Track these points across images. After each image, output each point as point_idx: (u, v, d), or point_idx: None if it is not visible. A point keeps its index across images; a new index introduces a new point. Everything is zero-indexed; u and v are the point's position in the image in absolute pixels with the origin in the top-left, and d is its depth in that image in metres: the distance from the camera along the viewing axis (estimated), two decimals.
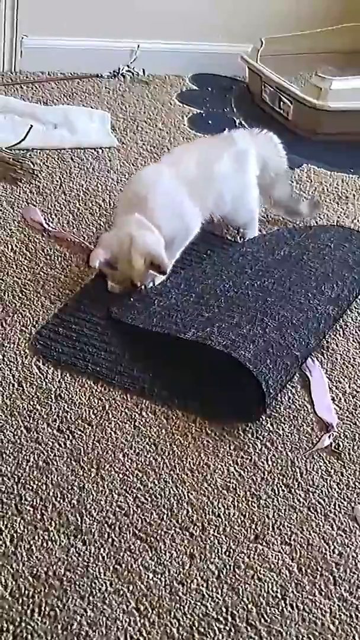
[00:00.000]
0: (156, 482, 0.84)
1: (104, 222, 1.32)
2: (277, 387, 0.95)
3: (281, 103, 1.77)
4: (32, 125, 1.52)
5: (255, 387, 0.92)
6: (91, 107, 1.74)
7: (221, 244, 1.29)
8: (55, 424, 0.90)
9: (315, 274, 1.13)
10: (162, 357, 1.00)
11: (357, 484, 0.88)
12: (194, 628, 0.71)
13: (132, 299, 1.09)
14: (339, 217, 1.43)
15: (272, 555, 0.79)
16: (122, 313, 1.06)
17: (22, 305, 1.09)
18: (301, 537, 0.81)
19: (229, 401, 0.95)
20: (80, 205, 1.36)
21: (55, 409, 0.92)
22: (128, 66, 1.94)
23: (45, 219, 1.29)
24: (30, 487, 0.82)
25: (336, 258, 1.19)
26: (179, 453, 0.88)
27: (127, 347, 1.02)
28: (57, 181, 1.42)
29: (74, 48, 1.90)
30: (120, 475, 0.85)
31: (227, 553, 0.78)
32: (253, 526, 0.81)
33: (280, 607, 0.74)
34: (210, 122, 1.79)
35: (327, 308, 1.08)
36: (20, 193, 1.36)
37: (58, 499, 0.81)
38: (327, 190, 1.53)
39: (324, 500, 0.85)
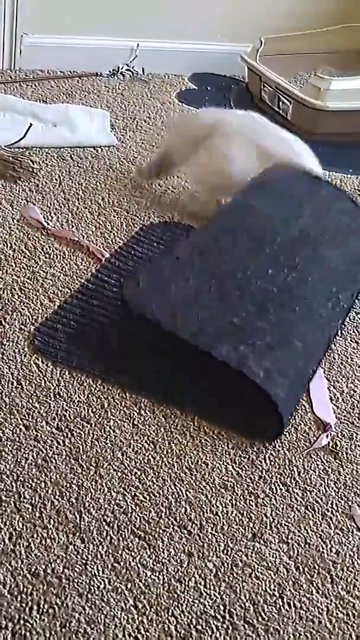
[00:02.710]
0: (154, 481, 0.85)
1: (102, 220, 1.32)
2: (288, 421, 0.93)
3: (280, 103, 1.78)
4: (31, 124, 1.52)
5: (265, 405, 0.89)
6: (91, 106, 1.74)
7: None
8: (54, 422, 0.90)
9: (333, 274, 1.08)
10: (161, 355, 1.00)
11: (354, 483, 0.88)
12: (192, 626, 0.72)
13: (143, 284, 0.99)
14: None
15: (269, 554, 0.79)
16: (139, 304, 0.95)
17: (21, 304, 1.09)
18: (299, 536, 0.81)
19: (229, 407, 0.94)
20: (79, 203, 1.36)
21: (54, 407, 0.92)
22: (127, 65, 1.94)
23: (44, 217, 1.29)
24: (29, 485, 0.82)
25: (351, 248, 1.14)
26: (178, 451, 0.89)
27: (126, 345, 1.02)
28: (57, 180, 1.42)
29: (73, 46, 1.90)
30: (119, 474, 0.85)
31: (225, 551, 0.79)
32: (251, 524, 0.82)
33: (278, 605, 0.75)
34: None
35: (338, 322, 1.07)
36: (19, 191, 1.36)
37: (57, 496, 0.81)
38: None
39: (321, 499, 0.86)
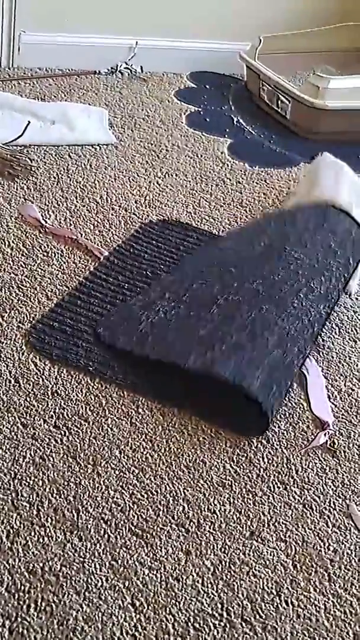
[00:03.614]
0: (152, 479, 0.85)
1: (101, 218, 1.32)
2: (277, 409, 0.94)
3: (279, 102, 1.78)
4: (29, 122, 1.51)
5: (253, 404, 0.90)
6: (89, 104, 1.74)
7: (195, 240, 1.26)
8: (51, 421, 0.90)
9: (302, 267, 1.09)
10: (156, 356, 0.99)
11: (352, 481, 0.89)
12: (190, 624, 0.72)
13: (115, 317, 1.04)
14: None
15: (267, 552, 0.79)
16: (111, 337, 1.01)
17: (19, 302, 1.09)
18: (296, 534, 0.81)
19: (223, 406, 0.93)
20: (77, 202, 1.35)
21: (51, 405, 0.92)
22: (126, 63, 1.94)
23: (42, 215, 1.29)
24: (27, 483, 0.82)
25: (318, 242, 1.14)
26: (175, 450, 0.89)
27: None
28: (55, 178, 1.41)
29: (72, 44, 1.90)
30: (117, 472, 0.85)
31: (223, 549, 0.79)
32: (248, 523, 0.82)
33: (275, 603, 0.75)
34: (207, 119, 1.79)
35: (319, 308, 1.06)
36: (17, 189, 1.35)
37: (54, 495, 0.81)
38: None
39: (319, 498, 0.86)
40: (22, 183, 1.37)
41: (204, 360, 0.93)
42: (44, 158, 1.47)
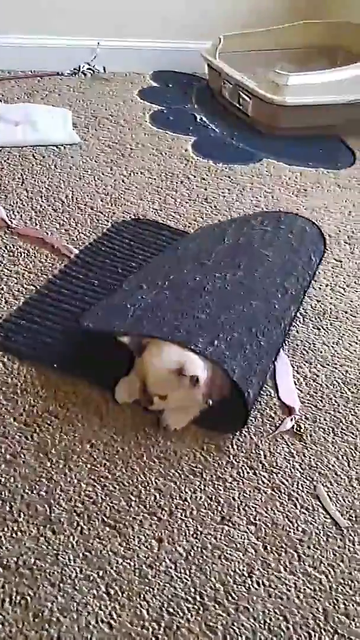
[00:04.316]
0: (124, 471, 0.86)
1: (66, 218, 1.32)
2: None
3: (240, 99, 1.80)
4: None
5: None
6: (52, 105, 1.74)
7: (167, 238, 1.27)
8: (21, 418, 0.90)
9: (275, 265, 1.11)
10: (124, 352, 0.99)
11: (318, 464, 0.91)
12: (164, 609, 0.73)
13: (98, 311, 0.99)
14: (298, 209, 1.46)
15: (238, 535, 0.81)
16: (99, 324, 0.94)
17: None
18: (266, 517, 0.84)
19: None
20: (43, 201, 1.36)
21: (21, 403, 0.92)
22: (89, 64, 1.94)
23: (7, 215, 1.29)
24: None
25: (281, 241, 1.17)
26: (146, 442, 0.90)
27: (91, 341, 1.02)
28: (19, 178, 1.41)
29: (34, 46, 1.90)
30: (88, 466, 0.86)
31: (194, 535, 0.80)
32: (219, 508, 0.84)
33: (247, 585, 0.77)
34: (171, 118, 1.81)
35: (291, 311, 1.08)
36: None
37: (26, 490, 0.82)
38: (287, 183, 1.57)
39: (287, 481, 0.88)
40: None
41: (214, 349, 0.87)
42: (8, 159, 1.47)
